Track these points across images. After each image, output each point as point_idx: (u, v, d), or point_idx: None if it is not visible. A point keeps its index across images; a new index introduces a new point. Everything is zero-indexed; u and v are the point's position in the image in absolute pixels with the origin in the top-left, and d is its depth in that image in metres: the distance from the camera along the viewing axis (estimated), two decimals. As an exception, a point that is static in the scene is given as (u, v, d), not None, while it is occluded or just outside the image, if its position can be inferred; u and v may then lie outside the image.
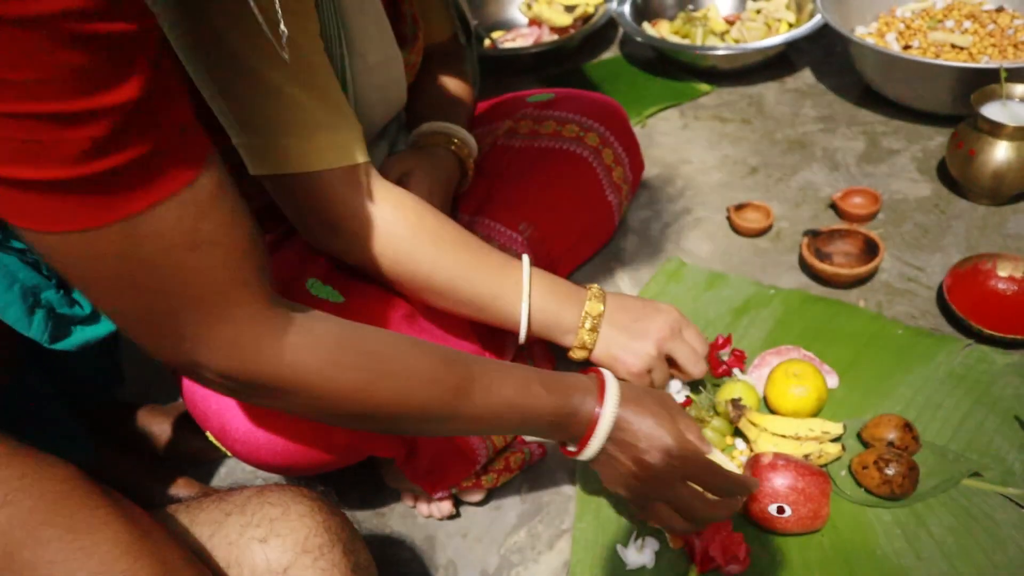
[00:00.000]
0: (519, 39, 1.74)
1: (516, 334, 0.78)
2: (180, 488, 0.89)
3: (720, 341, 0.94)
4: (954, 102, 1.24)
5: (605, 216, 1.09)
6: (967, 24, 1.34)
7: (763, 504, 0.75)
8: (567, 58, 1.71)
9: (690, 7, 1.72)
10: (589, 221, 1.06)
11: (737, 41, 1.56)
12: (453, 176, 0.91)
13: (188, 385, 0.73)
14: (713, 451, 0.71)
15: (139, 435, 0.94)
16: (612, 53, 1.74)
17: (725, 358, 0.93)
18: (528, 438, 0.87)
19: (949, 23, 1.36)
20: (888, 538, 0.76)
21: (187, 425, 0.94)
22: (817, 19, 1.45)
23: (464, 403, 0.62)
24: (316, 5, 0.67)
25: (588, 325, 0.78)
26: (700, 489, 0.69)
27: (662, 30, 1.63)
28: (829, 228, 1.07)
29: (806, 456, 0.81)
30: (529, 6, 1.82)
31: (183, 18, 0.58)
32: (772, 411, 0.87)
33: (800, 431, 0.82)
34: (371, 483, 0.89)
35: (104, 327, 0.73)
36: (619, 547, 0.78)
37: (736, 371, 0.92)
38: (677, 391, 0.91)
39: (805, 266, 1.07)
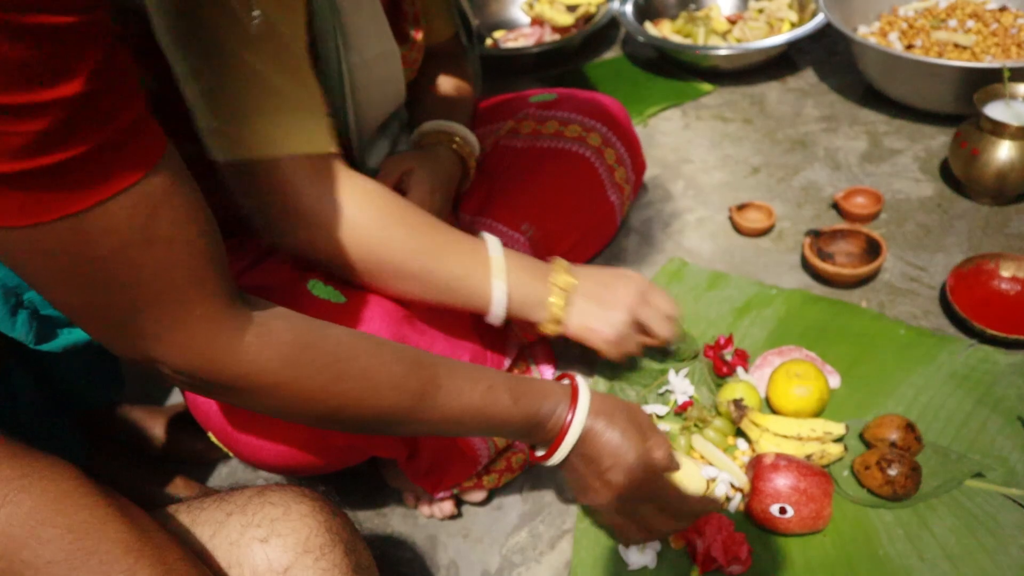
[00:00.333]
0: (521, 39, 1.74)
1: (505, 326, 0.78)
2: (180, 488, 0.89)
3: (722, 341, 0.94)
4: (957, 102, 1.24)
5: (607, 216, 1.08)
6: (970, 23, 1.34)
7: (765, 504, 0.75)
8: (569, 58, 1.71)
9: (692, 7, 1.72)
10: (591, 221, 1.06)
11: (739, 41, 1.56)
12: (454, 175, 0.91)
13: None
14: (685, 463, 0.72)
15: (138, 436, 0.94)
16: (614, 53, 1.74)
17: (727, 358, 0.93)
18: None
19: (952, 22, 1.35)
20: (890, 539, 0.76)
21: (188, 426, 0.94)
22: (819, 18, 1.45)
23: (427, 406, 0.62)
24: None
25: (559, 298, 0.78)
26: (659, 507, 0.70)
27: (664, 30, 1.63)
28: (831, 228, 1.07)
29: (808, 456, 0.81)
30: (531, 6, 1.82)
31: None
32: (774, 411, 0.87)
33: (802, 431, 0.82)
34: (372, 483, 0.89)
35: None
36: (620, 547, 0.78)
37: (739, 371, 0.92)
38: (682, 392, 0.91)
39: (807, 266, 1.06)
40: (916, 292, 1.02)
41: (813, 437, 0.81)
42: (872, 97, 1.41)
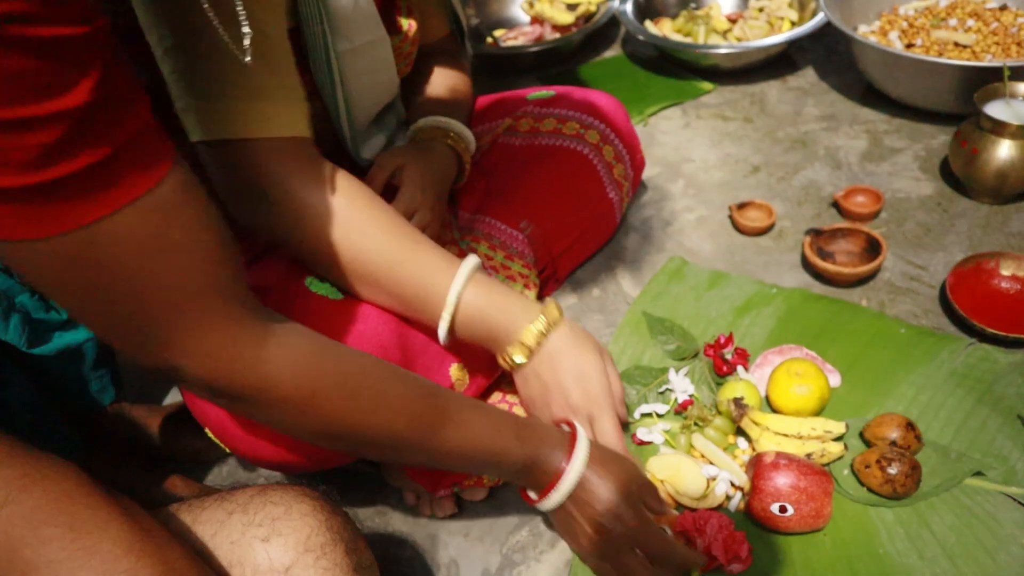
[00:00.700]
0: (521, 37, 1.74)
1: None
2: (179, 488, 0.89)
3: (722, 340, 0.94)
4: (957, 101, 1.24)
5: (606, 213, 1.08)
6: (970, 22, 1.34)
7: (765, 503, 0.75)
8: (569, 56, 1.71)
9: (692, 5, 1.72)
10: (590, 218, 1.06)
11: (739, 39, 1.56)
12: (449, 171, 0.91)
13: None
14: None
15: (137, 435, 0.94)
16: (614, 51, 1.73)
17: (728, 357, 0.93)
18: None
19: (952, 21, 1.35)
20: (890, 537, 0.76)
21: (187, 424, 0.93)
22: (819, 17, 1.45)
23: (436, 439, 0.62)
24: None
25: (535, 334, 0.75)
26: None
27: (664, 28, 1.63)
28: (831, 227, 1.07)
29: (808, 455, 0.81)
30: (531, 4, 1.82)
31: None
32: (774, 410, 0.87)
33: (802, 430, 0.82)
34: (373, 482, 0.89)
35: (83, 332, 0.73)
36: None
37: (739, 370, 0.92)
38: (682, 391, 0.91)
39: (807, 265, 1.06)
40: (916, 291, 1.02)
41: (813, 436, 0.82)
42: (872, 96, 1.41)
